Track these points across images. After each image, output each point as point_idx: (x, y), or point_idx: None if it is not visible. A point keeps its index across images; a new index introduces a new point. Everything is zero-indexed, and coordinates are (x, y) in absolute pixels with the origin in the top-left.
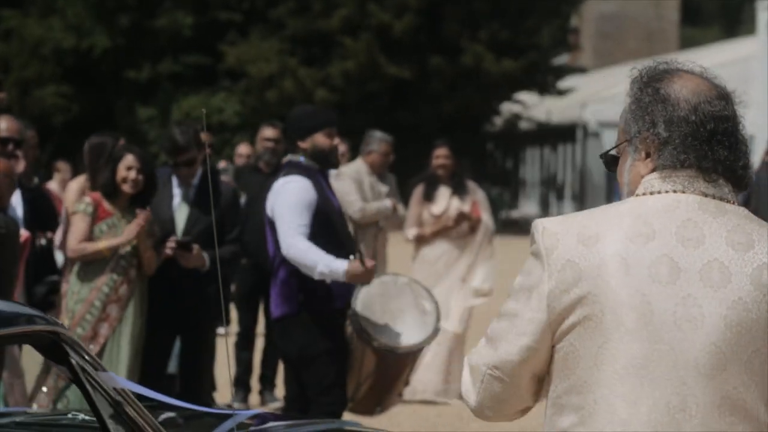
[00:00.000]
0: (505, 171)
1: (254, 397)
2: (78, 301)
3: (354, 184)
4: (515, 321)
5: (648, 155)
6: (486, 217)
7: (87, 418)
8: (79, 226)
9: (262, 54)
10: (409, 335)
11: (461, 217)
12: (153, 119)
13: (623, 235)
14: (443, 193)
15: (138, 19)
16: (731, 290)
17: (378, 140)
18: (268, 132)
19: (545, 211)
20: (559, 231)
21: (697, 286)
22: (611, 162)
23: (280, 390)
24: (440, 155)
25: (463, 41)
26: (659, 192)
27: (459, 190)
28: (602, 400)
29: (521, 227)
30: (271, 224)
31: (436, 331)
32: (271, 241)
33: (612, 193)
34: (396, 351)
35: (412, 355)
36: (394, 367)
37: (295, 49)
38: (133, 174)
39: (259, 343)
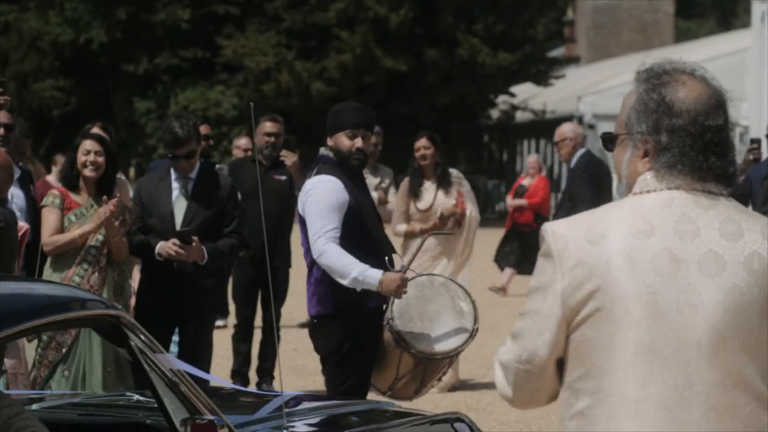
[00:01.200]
0: (501, 163)
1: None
2: None
3: None
4: (536, 318)
5: (646, 154)
6: (471, 208)
7: (142, 398)
8: (49, 219)
9: (259, 47)
10: (446, 340)
11: (445, 218)
12: (150, 112)
13: (626, 232)
14: (428, 187)
15: (135, 12)
16: (727, 277)
17: None
18: (268, 126)
19: None
20: (568, 233)
21: (696, 275)
22: (608, 141)
23: (277, 382)
24: (419, 146)
25: (458, 34)
26: (655, 190)
27: (443, 183)
28: (615, 383)
29: None
30: (303, 222)
31: (474, 332)
32: (303, 239)
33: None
34: (434, 357)
35: (454, 357)
36: (432, 367)
37: (292, 42)
38: (91, 157)
39: (257, 336)
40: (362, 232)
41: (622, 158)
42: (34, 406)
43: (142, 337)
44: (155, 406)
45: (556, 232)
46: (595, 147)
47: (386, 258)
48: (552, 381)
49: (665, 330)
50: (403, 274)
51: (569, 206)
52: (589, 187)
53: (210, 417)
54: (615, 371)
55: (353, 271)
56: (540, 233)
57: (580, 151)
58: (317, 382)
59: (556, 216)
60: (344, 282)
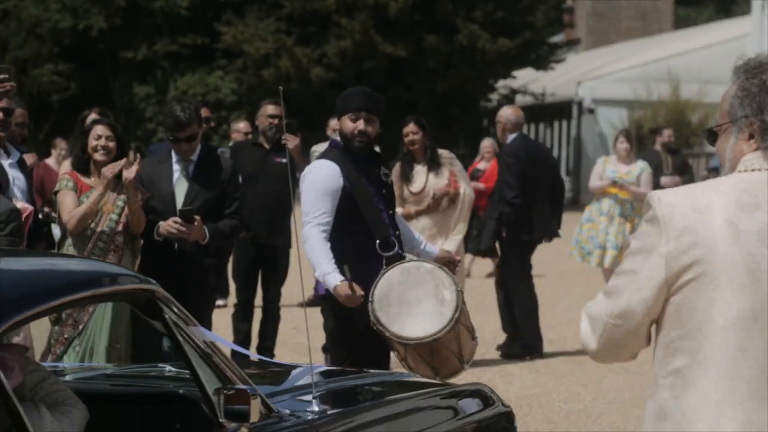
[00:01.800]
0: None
1: None
2: None
3: None
4: (635, 277)
5: (751, 136)
6: (464, 187)
7: (174, 369)
8: (66, 201)
9: (258, 33)
10: (421, 326)
11: (438, 198)
12: (150, 97)
13: (733, 204)
14: (419, 170)
15: None
16: None
17: None
18: (270, 108)
19: None
20: (674, 201)
21: None
22: (711, 137)
23: (280, 359)
24: (408, 131)
25: (458, 20)
26: (759, 169)
27: (433, 166)
28: (715, 345)
29: None
30: None
31: (452, 320)
32: None
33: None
34: (407, 342)
35: (432, 343)
36: (421, 349)
37: (292, 29)
38: (103, 141)
39: (258, 315)
40: (354, 216)
41: (725, 145)
42: (68, 377)
43: (176, 309)
44: (188, 376)
45: (662, 199)
46: (594, 131)
47: (377, 242)
48: (642, 338)
49: (766, 298)
50: (356, 294)
51: (499, 190)
52: (513, 170)
53: (242, 386)
54: (714, 334)
55: (320, 267)
56: (646, 200)
57: (512, 135)
58: (317, 360)
59: (491, 198)
60: (314, 273)
